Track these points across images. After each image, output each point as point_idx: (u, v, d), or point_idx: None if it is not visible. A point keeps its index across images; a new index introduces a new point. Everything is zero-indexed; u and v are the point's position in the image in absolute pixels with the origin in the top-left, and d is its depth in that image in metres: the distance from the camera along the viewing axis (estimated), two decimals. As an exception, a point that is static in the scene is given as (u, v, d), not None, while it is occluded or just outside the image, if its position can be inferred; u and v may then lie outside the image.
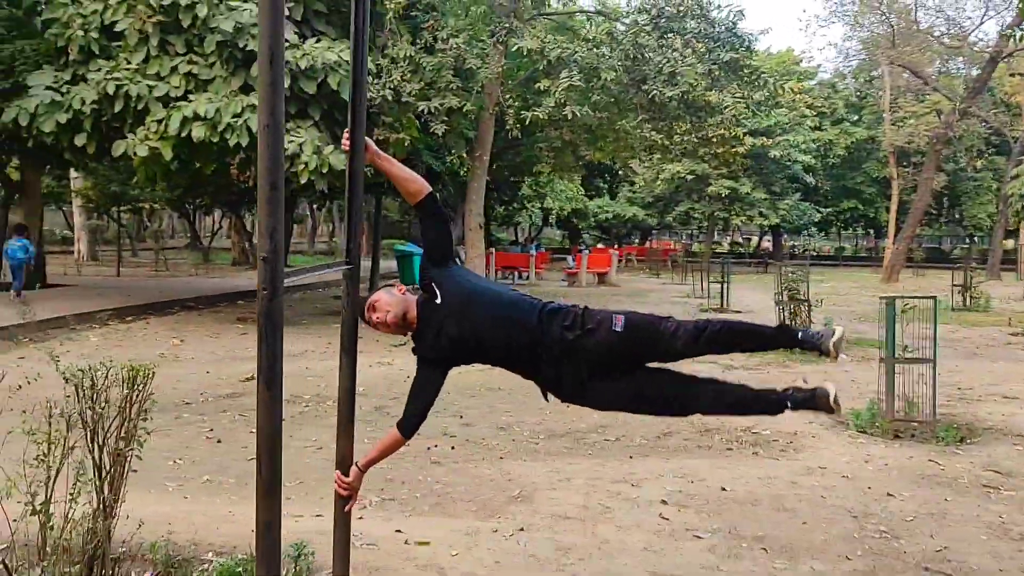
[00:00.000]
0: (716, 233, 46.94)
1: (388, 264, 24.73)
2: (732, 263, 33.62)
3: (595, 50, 12.01)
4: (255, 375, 7.69)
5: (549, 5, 16.91)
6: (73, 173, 25.83)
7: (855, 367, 10.36)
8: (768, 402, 3.21)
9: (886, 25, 30.07)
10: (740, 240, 57.14)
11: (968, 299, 17.90)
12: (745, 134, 31.14)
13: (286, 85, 10.15)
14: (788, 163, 34.64)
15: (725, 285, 16.80)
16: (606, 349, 3.10)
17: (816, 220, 40.28)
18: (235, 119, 11.05)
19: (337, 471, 3.24)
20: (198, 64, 11.62)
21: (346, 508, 3.27)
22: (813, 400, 3.09)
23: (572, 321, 3.12)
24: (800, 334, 3.17)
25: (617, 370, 3.15)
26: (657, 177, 34.79)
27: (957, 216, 43.68)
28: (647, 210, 39.40)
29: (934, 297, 7.47)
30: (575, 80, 11.37)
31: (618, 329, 3.10)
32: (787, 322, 3.38)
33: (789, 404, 3.14)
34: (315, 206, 41.73)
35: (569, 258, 27.83)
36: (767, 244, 51.53)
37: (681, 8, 12.62)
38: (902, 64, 30.01)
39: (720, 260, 19.59)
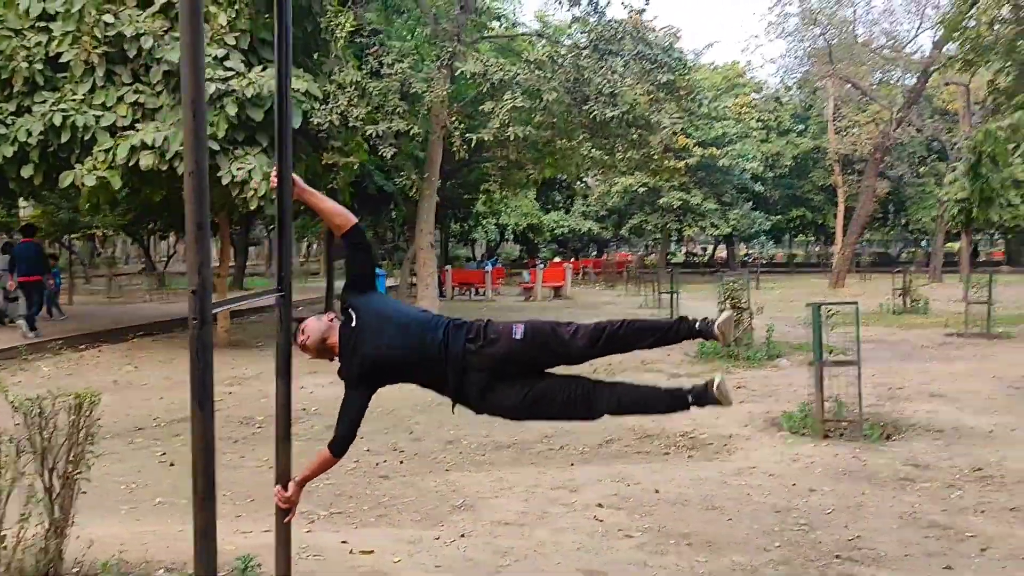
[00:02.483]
0: (672, 244, 47.70)
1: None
2: (687, 273, 34.31)
3: (537, 72, 12.36)
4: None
5: (492, 29, 17.29)
6: (22, 202, 25.58)
7: (794, 371, 10.74)
8: (673, 398, 3.39)
9: (824, 40, 30.97)
10: (696, 250, 58.01)
11: (908, 302, 18.50)
12: (694, 145, 32.03)
13: (233, 113, 10.28)
14: (737, 173, 35.40)
15: (674, 295, 17.20)
16: (508, 356, 3.30)
17: (767, 228, 41.13)
18: (183, 147, 11.17)
19: (277, 486, 3.45)
20: (144, 93, 11.74)
21: (285, 520, 3.48)
22: (706, 393, 3.28)
23: (476, 333, 3.34)
24: (697, 324, 3.30)
25: (521, 376, 3.34)
26: (610, 190, 35.34)
27: (903, 221, 44.88)
28: (601, 223, 39.99)
29: (855, 302, 7.89)
30: (518, 102, 11.71)
31: (518, 336, 3.30)
32: (686, 315, 3.57)
33: (691, 398, 3.32)
34: (271, 228, 41.66)
35: (525, 273, 28.15)
36: (723, 254, 52.44)
37: (619, 31, 13.05)
38: (840, 76, 30.92)
39: (670, 271, 20.05)
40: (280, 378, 3.42)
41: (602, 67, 12.72)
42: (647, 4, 14.24)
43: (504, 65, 12.42)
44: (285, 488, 3.44)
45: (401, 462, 6.58)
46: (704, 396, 3.30)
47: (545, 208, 40.11)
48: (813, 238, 56.46)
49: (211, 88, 11.36)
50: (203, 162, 2.42)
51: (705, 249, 58.99)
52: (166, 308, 21.04)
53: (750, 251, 60.08)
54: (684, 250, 57.65)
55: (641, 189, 33.74)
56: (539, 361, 3.39)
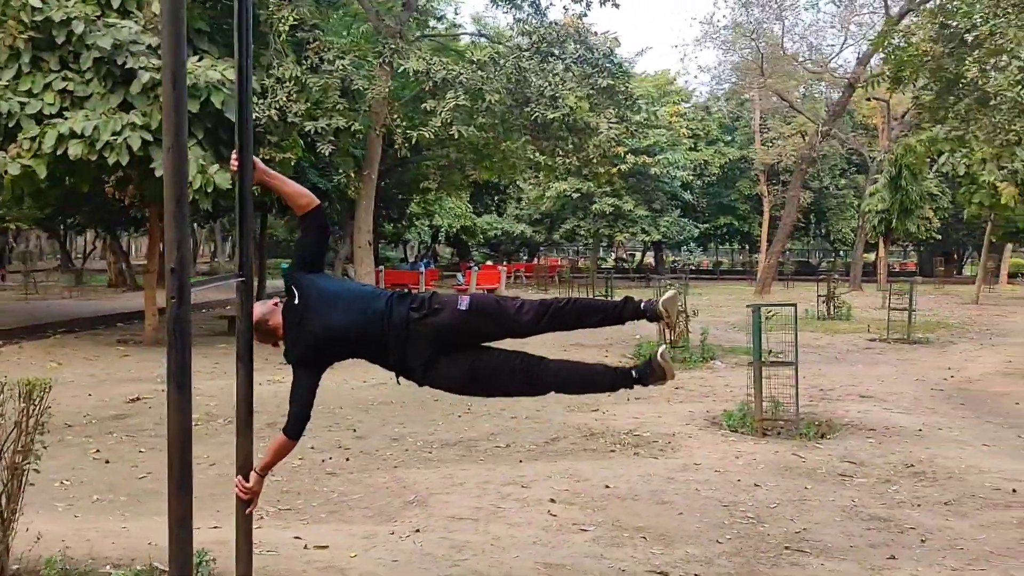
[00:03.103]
0: (601, 249, 48.23)
1: (275, 284, 24.37)
2: (617, 278, 34.75)
3: (479, 72, 12.35)
4: (140, 396, 7.63)
5: (433, 28, 17.26)
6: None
7: (729, 372, 10.98)
8: (617, 376, 3.39)
9: (755, 52, 31.77)
10: (624, 256, 58.72)
11: (831, 309, 19.09)
12: (626, 152, 32.41)
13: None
14: (667, 180, 36.03)
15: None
16: (452, 327, 3.26)
17: (695, 236, 41.94)
18: (114, 137, 10.82)
19: (238, 476, 3.36)
20: (74, 81, 11.33)
21: (247, 511, 3.40)
22: (651, 366, 3.28)
23: (419, 304, 3.31)
24: (643, 304, 3.31)
25: (466, 348, 3.31)
26: (543, 195, 35.53)
27: (823, 231, 46.32)
28: (535, 227, 40.18)
29: (794, 305, 8.10)
30: (460, 100, 11.67)
31: (463, 308, 3.28)
32: (633, 297, 3.64)
33: (635, 374, 3.32)
34: (196, 224, 40.60)
35: (459, 275, 28.10)
36: (651, 259, 53.24)
37: (561, 33, 13.16)
38: (770, 89, 31.75)
39: (604, 275, 20.24)
40: (241, 364, 3.33)
41: (544, 69, 12.80)
42: (588, 9, 14.42)
43: (447, 64, 12.38)
44: (246, 479, 3.35)
45: (347, 459, 6.48)
46: (648, 369, 3.30)
47: (477, 211, 40.12)
48: (738, 246, 57.81)
49: (145, 77, 11.06)
50: (183, 138, 2.34)
51: (632, 255, 59.76)
52: (87, 305, 20.35)
53: (676, 258, 61.12)
54: (614, 256, 58.29)
55: (575, 194, 34.04)
56: (483, 333, 3.36)
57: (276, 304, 3.44)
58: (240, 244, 3.43)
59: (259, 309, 3.39)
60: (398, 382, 3.44)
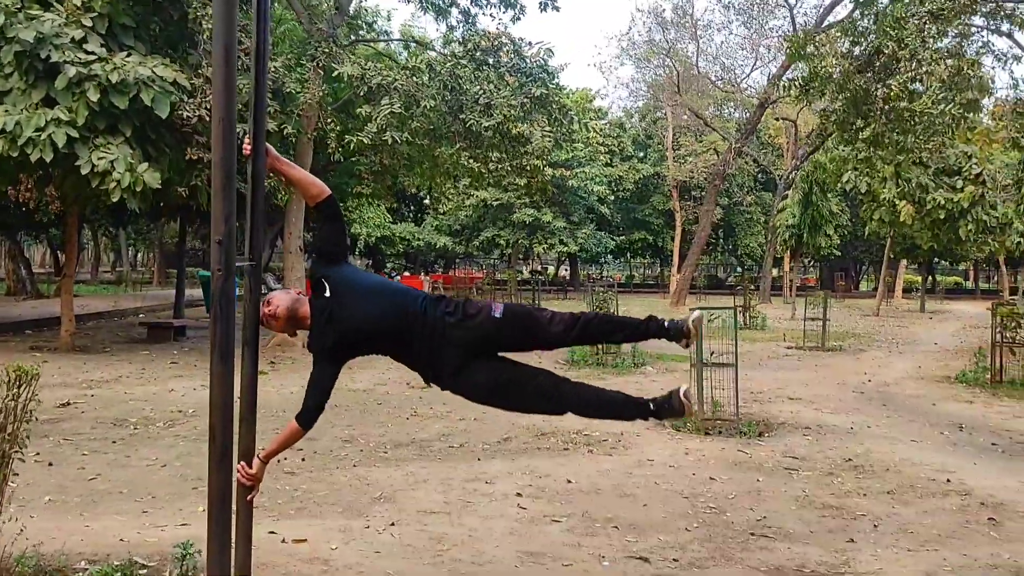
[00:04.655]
0: (515, 261, 48.56)
1: (194, 292, 23.69)
2: (541, 290, 35.06)
3: (414, 78, 12.34)
4: (71, 400, 7.42)
5: (364, 34, 17.19)
6: None
7: (661, 377, 11.27)
8: (636, 406, 3.43)
9: (670, 70, 32.68)
10: (539, 268, 59.21)
11: (748, 319, 19.76)
12: (545, 165, 32.79)
13: (95, 99, 9.71)
14: (584, 195, 36.62)
15: (535, 307, 17.57)
16: (485, 333, 3.31)
17: (611, 249, 42.68)
18: (37, 133, 10.40)
19: (241, 463, 3.31)
20: (-7, 74, 10.85)
21: (248, 498, 3.34)
22: (670, 402, 3.33)
23: (454, 308, 3.35)
24: (666, 323, 3.40)
25: (494, 358, 3.37)
26: (463, 203, 35.53)
27: (731, 246, 47.79)
28: (455, 238, 40.11)
29: (734, 308, 8.41)
30: (396, 107, 11.62)
31: (497, 315, 3.32)
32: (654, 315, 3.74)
33: (652, 407, 3.37)
34: (99, 232, 38.95)
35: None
36: (565, 272, 53.91)
37: (495, 43, 13.30)
38: (686, 106, 32.67)
39: (530, 287, 20.44)
40: (248, 349, 3.29)
41: (478, 76, 12.88)
42: (523, 13, 14.67)
43: (382, 70, 12.32)
44: (249, 465, 3.31)
45: (303, 459, 6.40)
46: (667, 404, 3.34)
47: (394, 220, 39.81)
48: (651, 260, 59.04)
49: (71, 72, 10.67)
50: (232, 112, 2.35)
51: (546, 268, 60.32)
52: (-11, 311, 19.36)
53: (591, 271, 61.97)
54: (529, 268, 58.75)
55: (495, 203, 34.20)
56: (514, 342, 3.41)
57: (301, 294, 3.41)
58: (252, 226, 3.39)
59: (286, 298, 3.33)
60: (427, 384, 3.45)
